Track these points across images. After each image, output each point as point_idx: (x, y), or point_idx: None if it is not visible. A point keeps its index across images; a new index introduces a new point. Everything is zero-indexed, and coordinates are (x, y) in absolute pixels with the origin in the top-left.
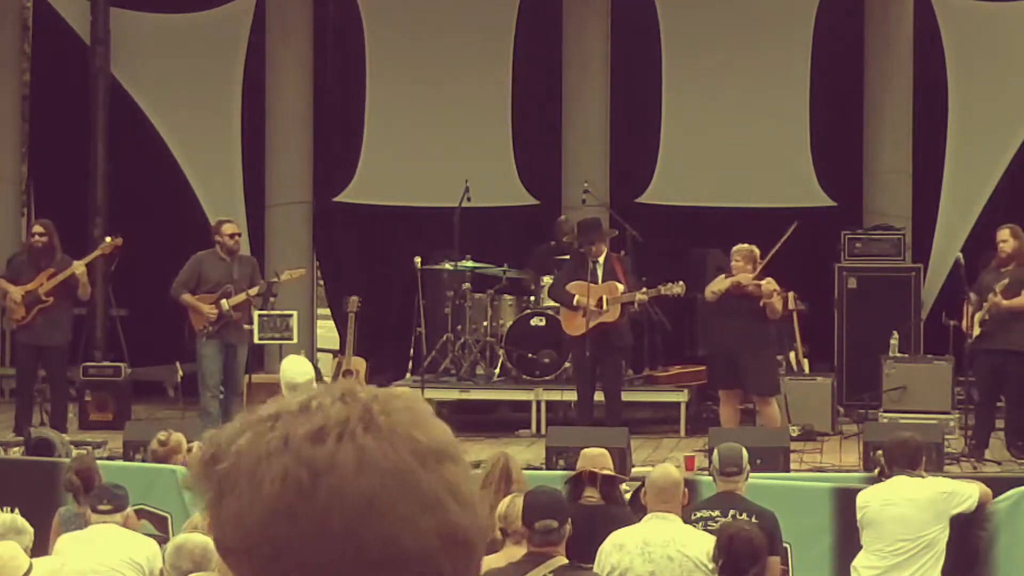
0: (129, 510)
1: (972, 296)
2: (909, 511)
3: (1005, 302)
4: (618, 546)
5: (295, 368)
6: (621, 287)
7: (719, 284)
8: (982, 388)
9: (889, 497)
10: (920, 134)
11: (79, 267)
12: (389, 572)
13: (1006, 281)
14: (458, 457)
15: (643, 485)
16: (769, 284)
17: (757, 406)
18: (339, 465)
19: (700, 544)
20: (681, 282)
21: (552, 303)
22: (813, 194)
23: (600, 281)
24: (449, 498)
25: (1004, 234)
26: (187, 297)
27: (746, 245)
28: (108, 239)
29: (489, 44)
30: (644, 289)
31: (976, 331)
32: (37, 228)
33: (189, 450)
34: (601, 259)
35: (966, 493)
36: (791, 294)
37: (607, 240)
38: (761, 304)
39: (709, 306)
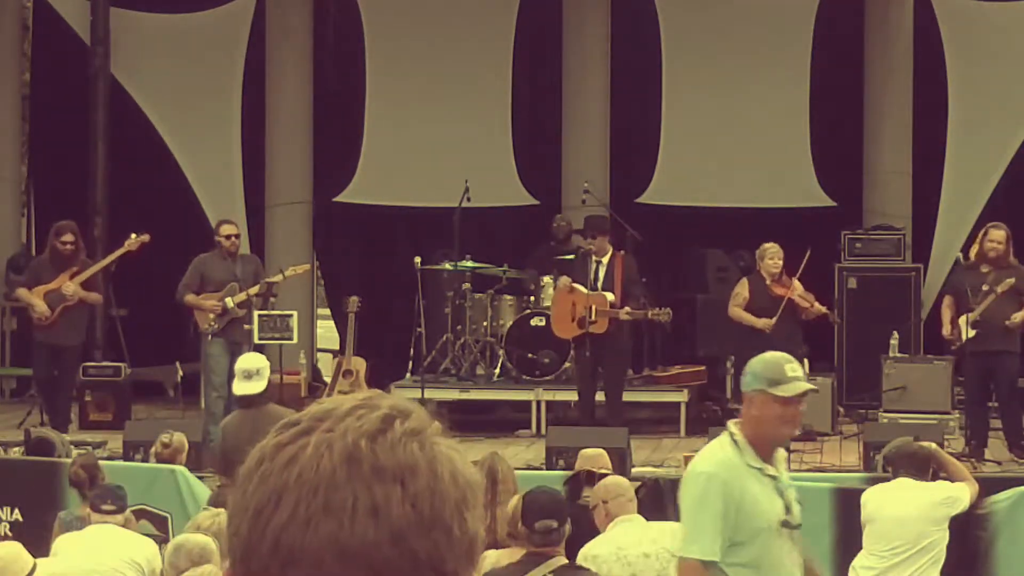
0: (129, 511)
1: (949, 299)
2: (908, 512)
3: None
4: (591, 558)
5: (246, 361)
6: (611, 298)
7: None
8: (973, 389)
9: (890, 496)
10: (920, 134)
11: (109, 259)
12: None
13: (1011, 281)
14: None
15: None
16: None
17: None
18: None
19: (673, 533)
20: (668, 310)
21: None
22: (813, 194)
23: (600, 280)
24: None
25: (1001, 235)
26: (190, 297)
27: (775, 245)
28: (133, 236)
29: (489, 44)
30: (627, 309)
31: (969, 333)
32: (67, 237)
33: (190, 450)
34: (605, 259)
35: (964, 499)
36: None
37: (610, 238)
38: (804, 318)
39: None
